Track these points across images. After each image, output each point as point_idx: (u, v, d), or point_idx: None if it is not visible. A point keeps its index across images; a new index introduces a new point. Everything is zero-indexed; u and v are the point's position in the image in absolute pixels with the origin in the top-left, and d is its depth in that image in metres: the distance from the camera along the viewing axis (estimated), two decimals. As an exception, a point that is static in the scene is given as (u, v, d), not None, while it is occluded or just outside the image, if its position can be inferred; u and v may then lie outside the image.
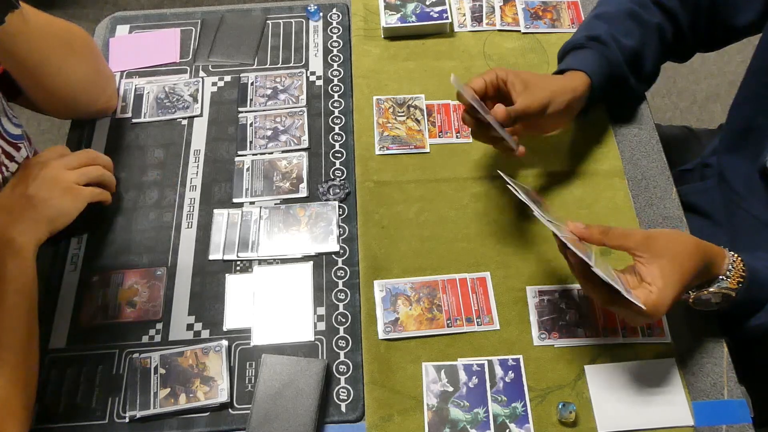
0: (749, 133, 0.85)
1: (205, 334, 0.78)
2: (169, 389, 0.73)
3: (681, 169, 0.99)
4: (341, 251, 0.83)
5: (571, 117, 0.86)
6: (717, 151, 0.93)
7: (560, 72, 0.87)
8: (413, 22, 1.00)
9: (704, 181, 0.93)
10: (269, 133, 0.93)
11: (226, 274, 0.82)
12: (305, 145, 0.92)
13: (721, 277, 0.70)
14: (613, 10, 0.89)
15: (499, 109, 0.74)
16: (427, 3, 1.02)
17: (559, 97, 0.80)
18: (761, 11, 0.86)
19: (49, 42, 0.81)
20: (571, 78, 0.84)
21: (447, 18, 1.00)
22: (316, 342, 0.77)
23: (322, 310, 0.79)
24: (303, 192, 0.88)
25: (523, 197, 0.72)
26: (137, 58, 1.01)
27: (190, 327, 0.78)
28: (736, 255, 0.71)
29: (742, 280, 0.70)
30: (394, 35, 1.02)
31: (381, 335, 0.77)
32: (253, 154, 0.91)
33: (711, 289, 0.71)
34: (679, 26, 0.90)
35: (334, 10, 1.06)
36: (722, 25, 0.90)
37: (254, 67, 1.00)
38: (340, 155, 0.91)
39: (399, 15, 1.01)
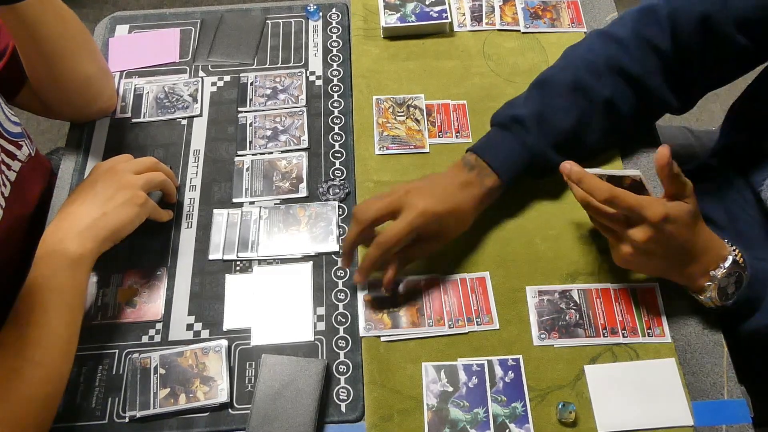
0: (754, 152, 0.85)
1: (205, 334, 0.78)
2: (169, 389, 0.73)
3: (681, 170, 0.99)
4: (341, 251, 0.83)
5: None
6: (719, 152, 0.93)
7: (472, 148, 0.81)
8: (413, 21, 1.00)
9: (705, 183, 0.93)
10: (269, 133, 0.93)
11: (226, 274, 0.82)
12: (305, 145, 0.92)
13: (729, 256, 0.71)
14: (558, 79, 0.82)
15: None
16: (427, 3, 1.02)
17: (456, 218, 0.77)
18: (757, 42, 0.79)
19: (67, 31, 0.82)
20: (476, 180, 0.78)
21: (446, 18, 1.00)
22: (316, 342, 0.77)
23: (321, 310, 0.79)
24: (303, 192, 0.88)
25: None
26: (137, 58, 1.01)
27: (189, 327, 0.78)
28: (735, 248, 0.72)
29: (744, 266, 0.71)
30: (393, 35, 1.02)
31: (362, 332, 0.77)
32: (253, 154, 0.91)
33: (728, 263, 0.70)
34: (647, 90, 0.83)
35: (334, 10, 1.06)
36: (718, 63, 0.83)
37: (254, 66, 1.00)
38: (339, 155, 0.91)
39: (398, 15, 1.01)
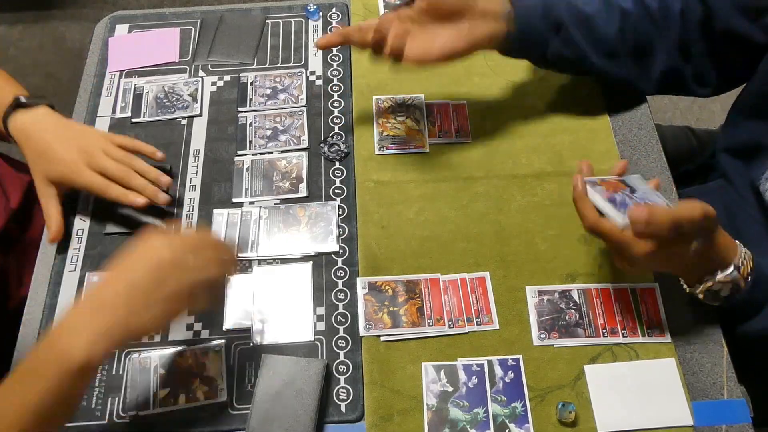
0: (754, 148, 0.85)
1: (205, 334, 0.78)
2: (168, 389, 0.73)
3: (682, 170, 0.99)
4: (341, 251, 0.83)
5: (469, 42, 0.82)
6: (719, 152, 0.93)
7: None
8: None
9: (706, 183, 0.93)
10: (269, 132, 0.93)
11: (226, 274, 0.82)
12: (305, 144, 0.92)
13: (732, 266, 0.70)
14: None
15: None
16: (427, 2, 1.02)
17: (477, 16, 0.79)
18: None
19: None
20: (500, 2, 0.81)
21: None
22: (316, 342, 0.77)
23: (321, 310, 0.79)
24: (303, 192, 0.88)
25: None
26: (136, 57, 1.01)
27: (189, 327, 0.78)
28: (746, 251, 0.71)
29: (750, 273, 0.70)
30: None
31: (362, 332, 0.77)
32: (253, 154, 0.91)
33: (720, 276, 0.70)
34: (661, 34, 0.85)
35: (334, 10, 1.06)
36: (723, 41, 0.84)
37: (254, 66, 1.00)
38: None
39: (399, 14, 1.01)
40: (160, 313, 0.61)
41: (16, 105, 0.82)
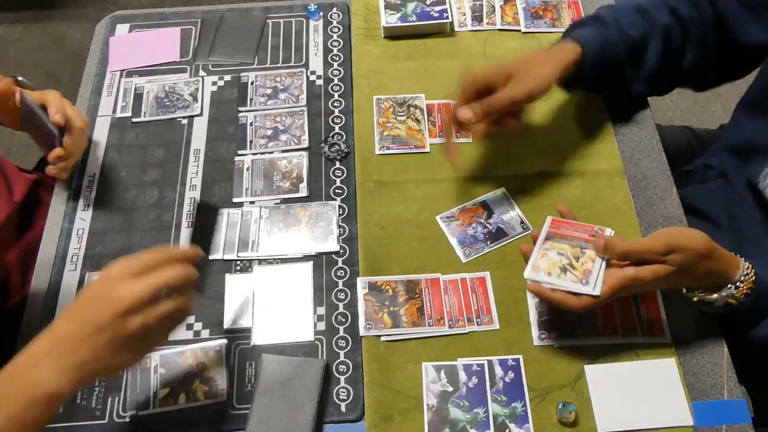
0: (754, 146, 0.85)
1: (205, 333, 0.78)
2: (169, 389, 0.73)
3: (682, 170, 0.99)
4: (341, 251, 0.83)
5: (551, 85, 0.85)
6: (720, 152, 0.93)
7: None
8: (413, 21, 1.00)
9: (706, 183, 0.93)
10: (269, 132, 0.93)
11: (226, 274, 0.82)
12: (305, 144, 0.92)
13: (730, 285, 0.70)
14: (623, 3, 0.90)
15: (464, 110, 0.79)
16: (428, 2, 1.02)
17: (546, 79, 0.81)
18: None
19: None
20: (561, 48, 0.84)
21: (447, 17, 1.00)
22: (316, 342, 0.77)
23: (322, 310, 0.79)
24: (303, 191, 0.88)
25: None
26: (137, 57, 1.01)
27: (189, 327, 0.78)
28: (750, 266, 0.71)
29: (749, 292, 0.70)
30: (394, 35, 1.01)
31: (362, 332, 0.77)
32: (253, 154, 0.91)
33: (716, 295, 0.70)
34: (689, 37, 0.89)
35: (335, 10, 1.06)
36: (731, 42, 0.88)
37: (254, 66, 1.00)
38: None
39: (399, 14, 1.01)
40: (128, 353, 0.60)
41: None
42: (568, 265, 0.71)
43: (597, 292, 0.68)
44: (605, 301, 0.69)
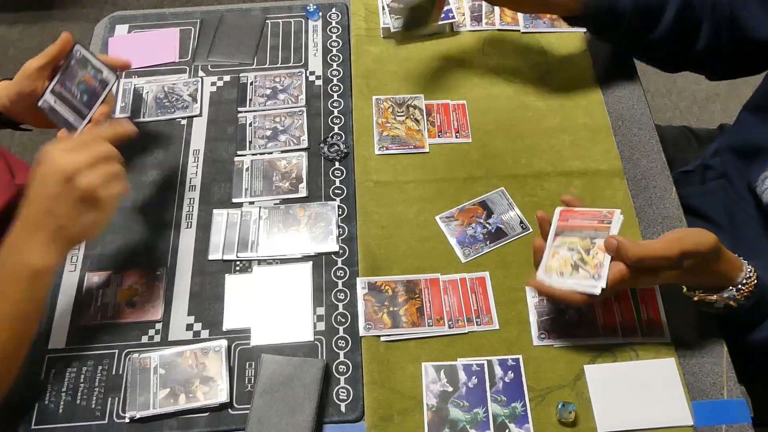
0: (755, 148, 0.85)
1: (205, 334, 0.78)
2: (168, 389, 0.73)
3: (681, 170, 0.99)
4: (341, 251, 0.83)
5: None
6: (721, 152, 0.93)
7: None
8: None
9: (706, 184, 0.93)
10: (268, 133, 0.93)
11: (226, 274, 0.82)
12: (305, 145, 0.92)
13: (731, 287, 0.70)
14: None
15: None
16: (429, 3, 1.02)
17: None
18: None
19: None
20: None
21: (453, 18, 1.00)
22: (316, 342, 0.77)
23: (321, 310, 0.79)
24: (302, 192, 0.88)
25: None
26: (136, 57, 1.01)
27: (189, 327, 0.78)
28: (752, 269, 0.71)
29: (750, 294, 0.70)
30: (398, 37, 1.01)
31: (362, 332, 0.77)
32: (253, 154, 0.91)
33: (716, 296, 0.70)
34: (706, 17, 0.89)
35: (334, 10, 1.06)
36: (743, 36, 0.87)
37: (253, 66, 1.00)
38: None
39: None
40: (87, 211, 0.68)
41: None
42: (579, 261, 0.70)
43: (603, 284, 0.68)
44: (608, 294, 0.69)
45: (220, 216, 0.86)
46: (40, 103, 0.81)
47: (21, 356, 0.70)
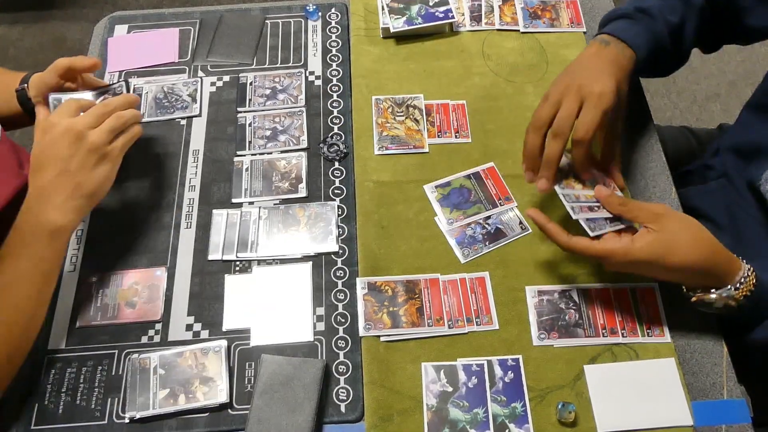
0: (756, 148, 0.85)
1: (205, 334, 0.78)
2: (168, 390, 0.73)
3: (681, 170, 0.99)
4: (340, 251, 0.83)
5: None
6: (721, 151, 0.93)
7: (603, 32, 0.85)
8: (420, 23, 1.00)
9: (706, 184, 0.93)
10: (268, 133, 0.93)
11: (225, 275, 0.82)
12: (304, 145, 0.92)
13: (730, 286, 0.70)
14: None
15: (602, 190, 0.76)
16: (431, 3, 1.02)
17: (623, 86, 0.80)
18: None
19: None
20: (616, 56, 0.81)
21: (453, 17, 1.00)
22: (316, 342, 0.77)
23: (321, 311, 0.79)
24: (302, 192, 0.88)
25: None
26: (136, 58, 1.01)
27: (189, 327, 0.78)
28: (751, 270, 0.71)
29: (749, 293, 0.70)
30: (399, 36, 1.01)
31: (362, 332, 0.77)
32: (252, 154, 0.91)
33: (714, 295, 0.70)
34: (714, 14, 0.90)
35: (333, 10, 1.06)
36: (738, 23, 0.89)
37: (253, 66, 1.00)
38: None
39: (405, 18, 1.00)
40: (101, 166, 0.75)
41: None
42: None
43: (595, 234, 0.71)
44: (589, 254, 0.71)
45: (219, 216, 0.86)
46: (52, 95, 0.83)
47: (40, 317, 0.74)
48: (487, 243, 0.83)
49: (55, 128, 0.74)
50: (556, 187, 0.76)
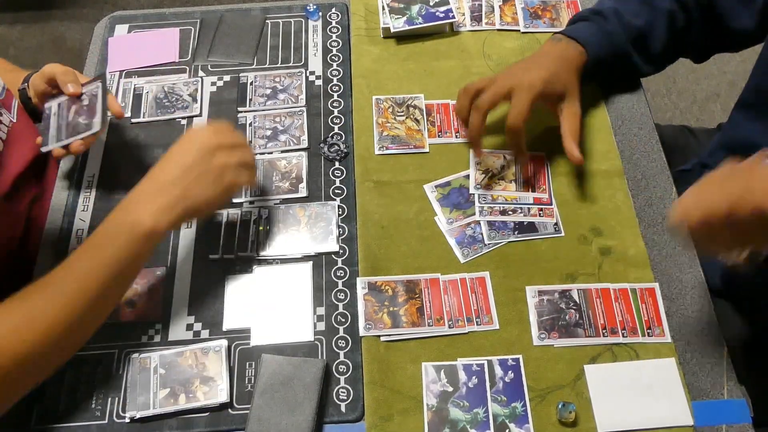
0: (748, 146, 0.85)
1: (205, 334, 0.78)
2: (168, 389, 0.73)
3: (679, 169, 0.99)
4: (341, 251, 0.83)
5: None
6: (716, 150, 0.93)
7: (559, 32, 0.91)
8: (420, 23, 1.00)
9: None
10: (268, 132, 0.93)
11: (226, 275, 0.82)
12: (305, 144, 0.92)
13: None
14: None
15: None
16: (431, 3, 1.02)
17: (563, 75, 0.85)
18: (757, 21, 0.87)
19: None
20: (569, 53, 0.88)
21: (453, 17, 1.00)
22: (316, 342, 0.77)
23: (321, 310, 0.79)
24: (302, 192, 0.88)
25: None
26: (136, 57, 1.01)
27: (189, 327, 0.78)
28: None
29: None
30: (399, 36, 1.01)
31: (362, 332, 0.77)
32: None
33: None
34: (691, 18, 0.92)
35: (334, 10, 1.06)
36: (719, 27, 0.91)
37: (253, 66, 1.00)
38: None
39: (405, 18, 1.01)
40: (212, 187, 0.73)
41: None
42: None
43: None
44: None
45: (220, 216, 0.86)
46: (46, 103, 0.86)
47: (104, 315, 0.71)
48: (486, 243, 0.83)
49: (194, 137, 0.75)
50: (472, 188, 0.84)
